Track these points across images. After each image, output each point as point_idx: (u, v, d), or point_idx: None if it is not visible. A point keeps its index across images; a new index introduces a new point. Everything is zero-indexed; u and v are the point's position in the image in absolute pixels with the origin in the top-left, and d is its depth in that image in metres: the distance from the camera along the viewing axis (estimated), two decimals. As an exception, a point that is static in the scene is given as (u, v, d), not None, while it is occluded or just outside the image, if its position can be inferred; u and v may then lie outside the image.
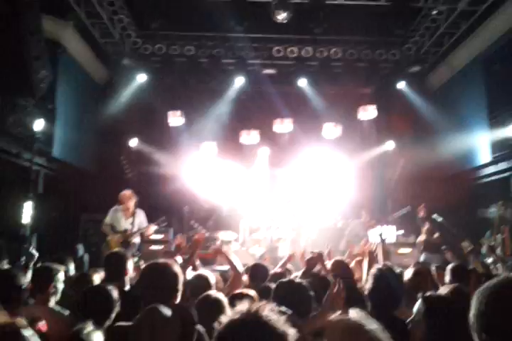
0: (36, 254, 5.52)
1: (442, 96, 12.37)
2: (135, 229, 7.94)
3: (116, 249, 6.59)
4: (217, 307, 3.09)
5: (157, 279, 3.02)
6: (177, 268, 3.11)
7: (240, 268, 4.67)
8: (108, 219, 8.07)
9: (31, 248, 6.10)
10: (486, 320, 1.43)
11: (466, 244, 6.93)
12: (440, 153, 11.01)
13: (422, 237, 8.96)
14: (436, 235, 8.80)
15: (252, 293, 3.69)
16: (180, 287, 3.05)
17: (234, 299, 3.22)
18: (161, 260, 3.30)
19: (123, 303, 3.30)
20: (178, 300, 3.03)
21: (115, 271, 4.12)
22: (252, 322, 1.43)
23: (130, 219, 7.93)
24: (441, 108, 11.74)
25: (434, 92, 12.82)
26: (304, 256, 6.04)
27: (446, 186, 10.56)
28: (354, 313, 2.06)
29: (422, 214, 9.26)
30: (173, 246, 4.80)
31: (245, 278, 4.87)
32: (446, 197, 9.86)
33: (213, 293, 3.38)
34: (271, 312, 1.47)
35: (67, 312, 3.71)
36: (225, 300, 3.22)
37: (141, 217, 8.15)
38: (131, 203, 8.04)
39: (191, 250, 4.50)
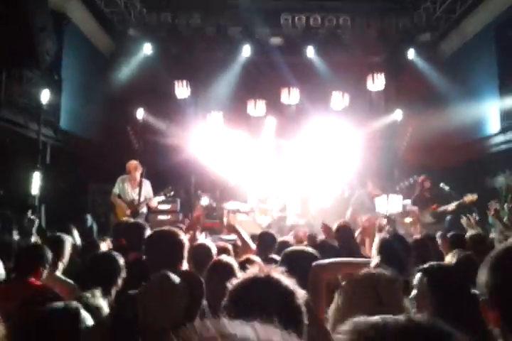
0: (37, 220, 5.61)
1: (453, 65, 12.14)
2: (142, 198, 8.02)
3: (125, 219, 6.74)
4: (229, 271, 3.13)
5: (163, 246, 3.07)
6: (182, 236, 3.18)
7: (249, 241, 4.75)
8: (116, 189, 8.18)
9: (30, 214, 6.20)
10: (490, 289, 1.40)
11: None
12: (449, 122, 10.88)
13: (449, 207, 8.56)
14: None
15: (258, 259, 3.74)
16: (185, 254, 3.12)
17: (244, 264, 3.27)
18: (167, 227, 3.35)
19: (141, 272, 3.38)
20: (184, 266, 3.10)
21: (135, 241, 4.17)
22: (264, 281, 1.52)
23: (137, 189, 8.01)
24: (452, 77, 11.53)
25: (444, 61, 12.57)
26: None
27: (454, 155, 10.47)
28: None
29: (428, 184, 9.06)
30: (192, 218, 4.91)
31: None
32: (455, 166, 9.80)
33: (224, 257, 3.43)
34: (281, 274, 1.56)
35: (71, 282, 3.79)
36: (235, 264, 3.27)
37: (147, 186, 8.24)
38: (138, 173, 8.12)
39: (191, 227, 4.60)
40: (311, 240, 5.49)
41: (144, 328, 2.17)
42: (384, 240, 3.56)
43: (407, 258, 3.51)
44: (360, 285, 2.06)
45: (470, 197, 8.09)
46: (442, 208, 8.56)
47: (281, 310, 1.36)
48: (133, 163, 8.26)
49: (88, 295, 2.78)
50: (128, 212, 7.86)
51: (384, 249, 3.46)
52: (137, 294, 2.44)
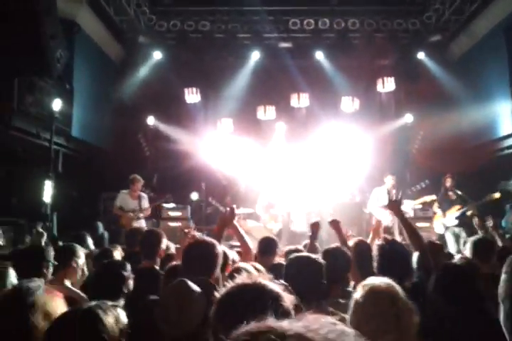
0: (45, 233, 5.67)
1: (463, 66, 12.04)
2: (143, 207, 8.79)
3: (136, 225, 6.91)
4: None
5: (200, 258, 3.07)
6: (219, 249, 3.19)
7: (249, 243, 4.69)
8: (117, 202, 8.75)
9: (39, 227, 6.27)
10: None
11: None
12: (461, 124, 10.78)
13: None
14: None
15: (250, 268, 3.69)
16: (219, 263, 3.14)
17: (233, 273, 3.26)
18: (205, 239, 3.38)
19: (152, 280, 3.44)
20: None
21: (150, 248, 4.23)
22: (250, 286, 1.53)
23: (136, 201, 8.73)
24: (462, 78, 11.45)
25: (455, 62, 12.47)
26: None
27: (466, 158, 10.36)
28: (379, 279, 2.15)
29: (450, 183, 8.87)
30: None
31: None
32: (467, 169, 9.68)
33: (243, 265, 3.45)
34: (269, 281, 1.57)
35: (81, 293, 3.81)
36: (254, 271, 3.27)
37: (145, 199, 8.91)
38: (140, 184, 8.84)
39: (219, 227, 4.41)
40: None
41: (162, 335, 2.18)
42: (381, 247, 3.54)
43: (407, 264, 3.49)
44: (379, 297, 2.05)
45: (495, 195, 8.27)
46: (461, 211, 8.48)
47: (269, 314, 1.36)
48: (136, 176, 8.88)
49: (105, 304, 2.80)
50: (132, 219, 8.55)
51: (381, 256, 3.45)
52: (155, 300, 2.45)
